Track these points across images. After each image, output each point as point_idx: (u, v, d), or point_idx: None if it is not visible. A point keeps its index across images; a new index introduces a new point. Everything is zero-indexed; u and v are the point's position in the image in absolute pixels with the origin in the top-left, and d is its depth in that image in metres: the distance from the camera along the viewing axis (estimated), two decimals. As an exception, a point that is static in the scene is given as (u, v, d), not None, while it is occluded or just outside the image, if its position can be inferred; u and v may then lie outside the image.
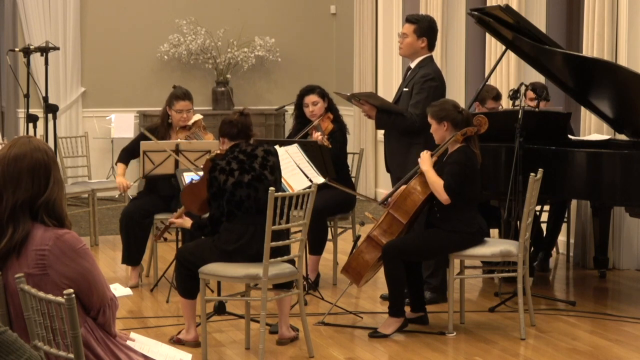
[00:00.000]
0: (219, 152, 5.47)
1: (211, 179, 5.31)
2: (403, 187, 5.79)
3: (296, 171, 6.10)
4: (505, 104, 7.96)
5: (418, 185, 5.70)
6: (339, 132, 6.92)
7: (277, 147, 5.69)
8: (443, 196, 5.58)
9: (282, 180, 5.73)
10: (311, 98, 6.90)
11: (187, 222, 5.59)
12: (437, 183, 5.61)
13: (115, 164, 7.17)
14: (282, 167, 5.60)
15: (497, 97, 7.36)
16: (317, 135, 6.71)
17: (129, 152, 7.02)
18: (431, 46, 6.50)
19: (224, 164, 5.31)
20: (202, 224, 5.46)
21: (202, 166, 5.67)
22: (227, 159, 5.33)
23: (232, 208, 5.28)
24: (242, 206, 5.28)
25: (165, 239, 6.33)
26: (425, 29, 6.46)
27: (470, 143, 5.70)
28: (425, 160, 5.70)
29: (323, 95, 6.94)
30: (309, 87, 7.01)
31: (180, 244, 6.44)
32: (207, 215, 5.51)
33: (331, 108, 6.97)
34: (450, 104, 5.78)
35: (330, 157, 6.55)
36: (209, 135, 6.97)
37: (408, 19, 6.58)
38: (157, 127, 6.94)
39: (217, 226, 5.36)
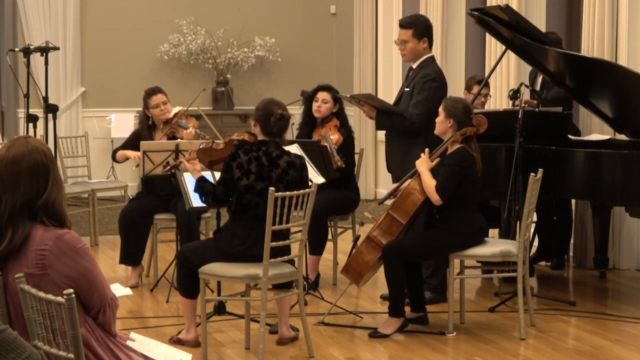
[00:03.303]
0: (247, 138, 5.36)
1: (227, 165, 5.28)
2: (403, 186, 5.80)
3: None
4: (505, 103, 7.95)
5: (417, 186, 5.70)
6: (349, 140, 6.93)
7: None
8: (434, 197, 5.59)
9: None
10: (323, 95, 6.90)
11: (196, 173, 5.47)
12: (429, 184, 5.61)
13: (115, 155, 7.06)
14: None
15: (481, 81, 7.33)
16: (337, 160, 6.62)
17: (129, 145, 7.02)
18: (431, 44, 6.50)
19: (245, 161, 5.26)
20: (207, 190, 5.36)
21: (223, 141, 5.62)
22: (250, 155, 5.28)
23: (238, 209, 5.27)
24: (248, 212, 5.26)
25: (173, 172, 6.16)
26: (422, 29, 6.43)
27: (470, 144, 5.70)
28: (422, 161, 5.70)
29: (336, 99, 6.92)
30: (327, 85, 7.03)
31: (179, 244, 6.44)
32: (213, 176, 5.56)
33: (339, 114, 6.93)
34: (465, 105, 5.76)
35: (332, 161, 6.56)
36: (194, 122, 6.94)
37: (402, 25, 6.49)
38: (140, 132, 6.98)
39: (217, 203, 5.42)
